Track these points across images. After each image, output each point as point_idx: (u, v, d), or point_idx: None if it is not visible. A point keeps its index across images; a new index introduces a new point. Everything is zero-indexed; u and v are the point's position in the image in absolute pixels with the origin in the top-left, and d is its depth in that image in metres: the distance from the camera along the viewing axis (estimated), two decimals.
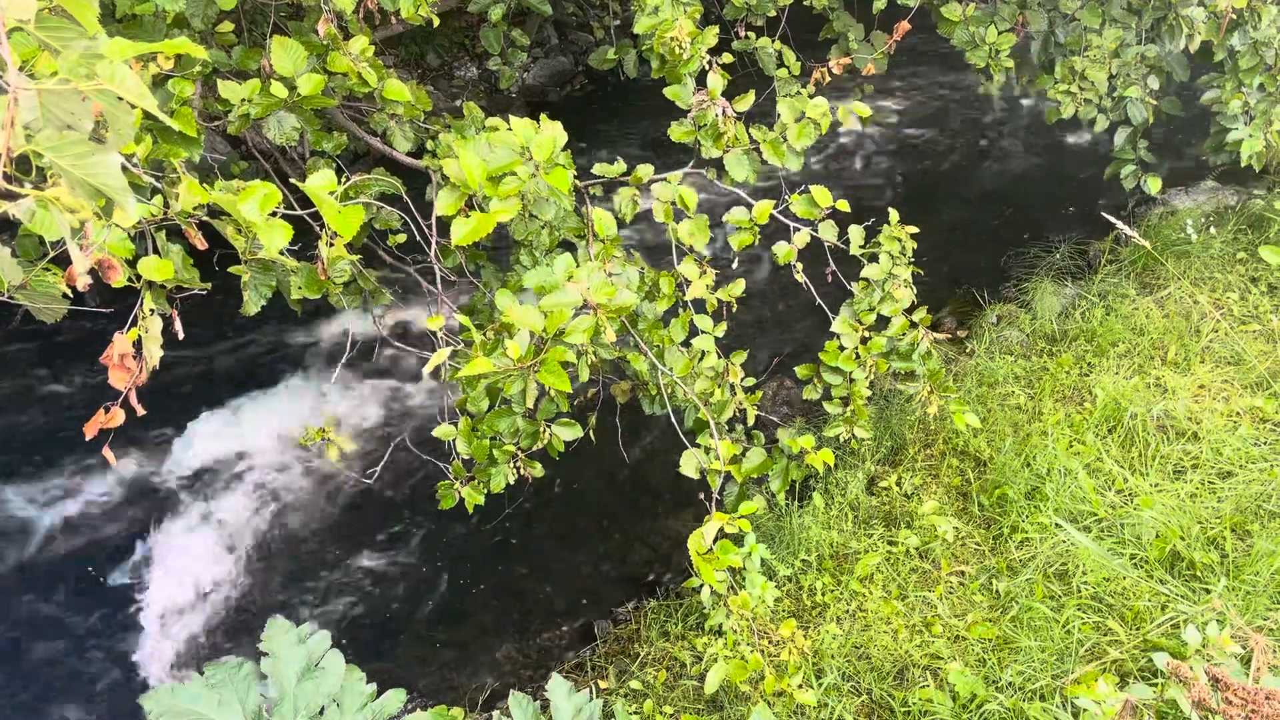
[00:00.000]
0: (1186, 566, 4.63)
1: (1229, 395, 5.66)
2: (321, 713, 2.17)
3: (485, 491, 4.12)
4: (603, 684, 4.82)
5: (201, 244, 2.94)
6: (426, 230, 4.06)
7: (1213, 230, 6.97)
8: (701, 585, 3.99)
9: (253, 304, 3.55)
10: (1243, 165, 6.16)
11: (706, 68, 4.27)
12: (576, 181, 3.86)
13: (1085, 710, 3.66)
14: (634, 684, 4.74)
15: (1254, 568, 4.50)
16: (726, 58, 4.42)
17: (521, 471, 4.13)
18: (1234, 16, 5.88)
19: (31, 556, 5.71)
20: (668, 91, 4.24)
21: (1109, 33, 6.08)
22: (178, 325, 3.13)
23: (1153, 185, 6.51)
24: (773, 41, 5.56)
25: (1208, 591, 4.44)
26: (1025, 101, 9.23)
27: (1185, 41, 6.00)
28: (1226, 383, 5.75)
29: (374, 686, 2.25)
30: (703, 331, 4.28)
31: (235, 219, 2.47)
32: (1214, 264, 6.74)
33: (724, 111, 4.15)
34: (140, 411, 2.91)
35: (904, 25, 5.50)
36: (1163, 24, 6.10)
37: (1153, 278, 6.82)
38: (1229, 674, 3.29)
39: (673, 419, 4.34)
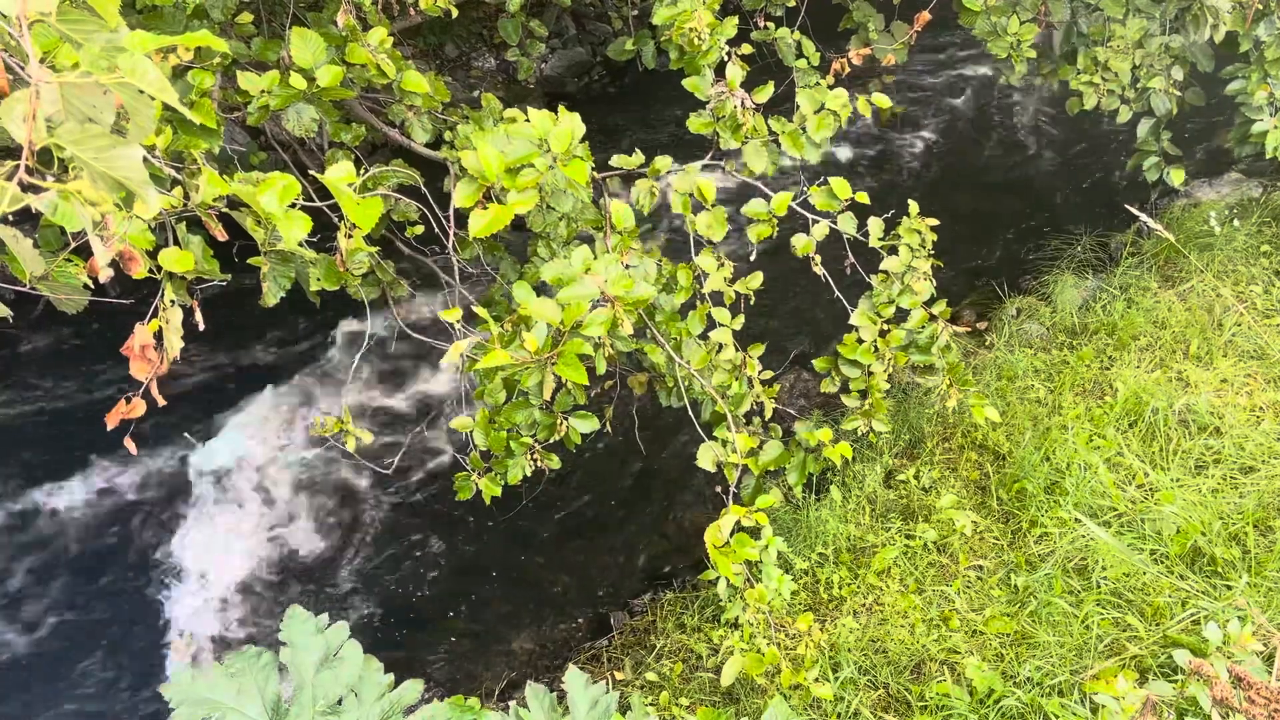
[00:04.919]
0: (1208, 562, 4.59)
1: (1252, 390, 5.60)
2: (340, 703, 2.18)
3: (502, 483, 4.13)
4: (619, 675, 4.82)
5: (221, 235, 2.95)
6: (444, 222, 4.06)
7: (1236, 223, 6.89)
8: (718, 578, 3.98)
9: (272, 295, 3.56)
10: (1267, 157, 6.09)
11: (725, 59, 4.24)
12: (594, 173, 3.84)
13: (1104, 707, 3.64)
14: (650, 676, 4.74)
15: (1276, 564, 4.46)
16: (745, 49, 4.39)
17: (538, 463, 4.13)
18: (1260, 7, 5.80)
19: (46, 549, 5.77)
20: (686, 83, 4.22)
21: (1133, 23, 6.01)
22: (198, 316, 3.14)
23: (1176, 177, 6.44)
24: (792, 32, 5.53)
25: (1229, 588, 4.40)
26: (1047, 92, 9.14)
27: (1210, 32, 5.92)
28: (1249, 377, 5.69)
29: (391, 676, 2.25)
30: (720, 324, 4.27)
31: (255, 210, 2.48)
32: (1237, 257, 6.67)
33: (743, 103, 4.12)
34: (161, 402, 2.93)
35: (924, 15, 5.46)
36: (1187, 14, 6.01)
37: (1175, 270, 6.75)
38: (1251, 672, 3.26)
39: (690, 412, 4.33)
